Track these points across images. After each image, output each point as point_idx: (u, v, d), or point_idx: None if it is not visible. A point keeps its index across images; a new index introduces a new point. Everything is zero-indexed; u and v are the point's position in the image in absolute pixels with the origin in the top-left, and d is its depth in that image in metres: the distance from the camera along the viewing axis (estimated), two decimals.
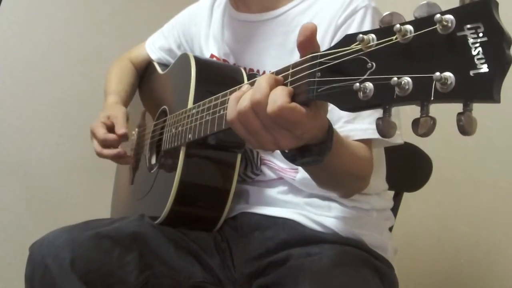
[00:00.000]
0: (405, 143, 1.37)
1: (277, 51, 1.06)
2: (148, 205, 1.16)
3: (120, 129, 1.16)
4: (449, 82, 0.48)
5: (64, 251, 0.89)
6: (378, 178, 1.09)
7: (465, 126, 0.49)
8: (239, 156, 1.04)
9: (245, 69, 1.11)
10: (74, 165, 2.11)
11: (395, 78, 0.52)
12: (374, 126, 0.95)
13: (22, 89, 2.04)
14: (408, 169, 1.37)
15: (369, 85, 0.55)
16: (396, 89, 0.53)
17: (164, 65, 1.36)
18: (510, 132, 1.52)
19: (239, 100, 0.69)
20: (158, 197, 1.09)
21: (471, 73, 0.47)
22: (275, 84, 0.67)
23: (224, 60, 1.18)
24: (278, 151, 1.05)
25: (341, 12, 1.00)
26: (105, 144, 1.16)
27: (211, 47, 1.21)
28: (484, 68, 0.47)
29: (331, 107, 0.96)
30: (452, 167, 1.63)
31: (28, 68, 2.04)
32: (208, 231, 1.08)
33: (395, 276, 1.04)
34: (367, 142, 0.95)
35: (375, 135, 0.94)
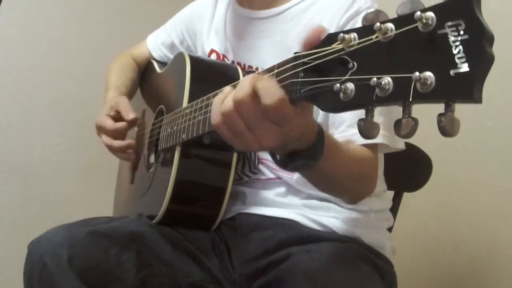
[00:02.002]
0: (405, 143, 1.37)
1: (276, 49, 1.06)
2: (146, 204, 1.15)
3: (128, 114, 1.12)
4: (429, 82, 0.47)
5: (62, 248, 0.89)
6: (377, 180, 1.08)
7: (446, 128, 0.47)
8: (235, 155, 1.03)
9: (244, 66, 1.11)
10: (74, 165, 2.12)
11: (375, 79, 0.51)
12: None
13: (22, 89, 2.04)
14: (408, 169, 1.37)
15: (350, 85, 0.54)
16: (377, 90, 0.51)
17: (163, 64, 1.35)
18: (510, 132, 1.52)
19: (223, 102, 0.67)
20: (155, 196, 1.09)
21: (452, 72, 0.46)
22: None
23: (223, 56, 1.17)
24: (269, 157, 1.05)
25: (343, 12, 0.99)
26: (116, 134, 1.13)
27: (212, 41, 1.20)
28: (465, 68, 0.45)
29: None
30: (452, 167, 1.62)
31: (28, 68, 2.05)
32: (205, 230, 1.07)
33: (394, 274, 1.04)
34: (371, 146, 0.93)
35: (379, 139, 0.92)
